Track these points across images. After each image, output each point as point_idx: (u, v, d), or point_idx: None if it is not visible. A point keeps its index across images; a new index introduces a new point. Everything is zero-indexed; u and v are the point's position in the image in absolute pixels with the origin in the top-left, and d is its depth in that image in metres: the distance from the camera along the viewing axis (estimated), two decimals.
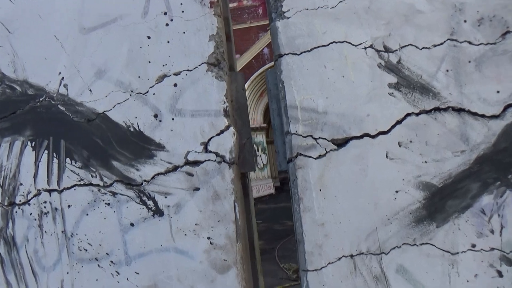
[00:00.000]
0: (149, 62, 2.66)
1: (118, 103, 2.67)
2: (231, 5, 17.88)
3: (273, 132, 2.73)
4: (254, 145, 18.40)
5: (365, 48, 2.49)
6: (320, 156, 2.46)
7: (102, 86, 2.69)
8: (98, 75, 2.70)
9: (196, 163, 2.60)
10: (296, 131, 2.49)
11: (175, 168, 2.62)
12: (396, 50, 2.46)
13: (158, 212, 2.62)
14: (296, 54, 2.53)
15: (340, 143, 2.46)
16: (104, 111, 2.68)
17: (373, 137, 2.44)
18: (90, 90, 2.70)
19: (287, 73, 2.52)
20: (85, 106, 2.70)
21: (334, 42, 2.51)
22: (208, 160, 2.59)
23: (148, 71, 2.65)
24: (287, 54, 2.54)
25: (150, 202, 2.64)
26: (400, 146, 2.41)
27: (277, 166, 2.71)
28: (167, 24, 2.66)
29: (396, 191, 2.39)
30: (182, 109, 2.62)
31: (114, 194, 2.66)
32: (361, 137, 2.44)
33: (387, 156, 2.42)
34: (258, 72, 16.95)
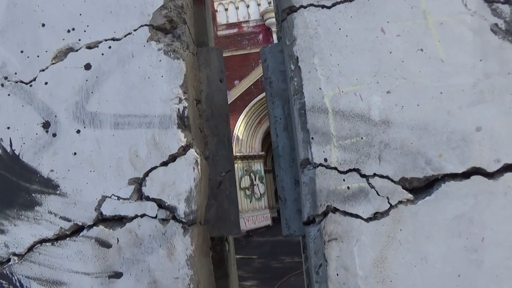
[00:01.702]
0: (43, 24, 1.39)
1: None
2: (231, 31, 17.02)
3: (275, 162, 1.41)
4: (252, 174, 16.86)
5: None
6: (377, 216, 1.14)
7: None
8: None
9: (117, 221, 1.27)
10: (326, 160, 1.18)
11: (76, 231, 1.29)
12: None
13: None
14: (324, 6, 1.26)
15: (420, 188, 1.14)
16: None
17: (491, 176, 1.12)
18: None
19: (307, 43, 1.24)
20: None
21: None
22: (143, 215, 1.26)
23: (39, 40, 1.38)
24: (305, 7, 1.27)
25: None
26: None
27: (282, 229, 1.37)
28: None
29: None
30: (97, 112, 1.32)
31: None
32: (466, 175, 1.13)
33: None
34: (257, 98, 15.78)
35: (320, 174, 1.18)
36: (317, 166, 1.18)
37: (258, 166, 17.53)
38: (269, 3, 17.57)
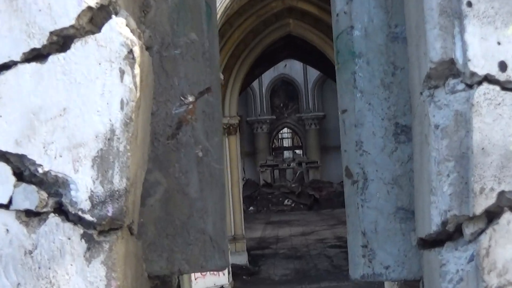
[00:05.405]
0: None
1: None
2: None
3: (339, 81, 0.61)
4: None
5: None
6: None
7: None
8: None
9: None
10: (504, 67, 0.39)
11: None
12: None
13: None
14: None
15: None
16: None
17: None
18: None
19: None
20: None
21: None
22: None
23: None
24: None
25: None
26: None
27: (351, 263, 0.56)
28: None
29: None
30: None
31: None
32: None
33: None
34: None
35: (484, 105, 0.42)
36: (479, 83, 0.42)
37: None
38: None
